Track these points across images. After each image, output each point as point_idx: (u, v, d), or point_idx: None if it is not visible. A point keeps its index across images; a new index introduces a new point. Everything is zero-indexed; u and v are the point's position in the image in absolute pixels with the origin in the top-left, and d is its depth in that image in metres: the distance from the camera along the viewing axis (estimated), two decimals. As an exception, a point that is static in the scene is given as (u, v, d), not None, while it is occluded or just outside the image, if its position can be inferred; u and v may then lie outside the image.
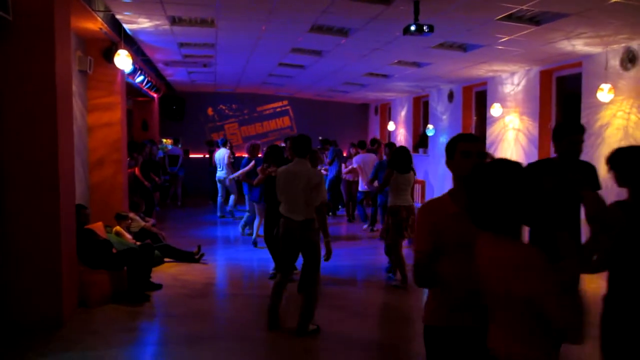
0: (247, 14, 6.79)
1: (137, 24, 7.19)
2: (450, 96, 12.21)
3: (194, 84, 14.64)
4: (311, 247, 4.90)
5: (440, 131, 12.66)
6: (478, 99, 11.68)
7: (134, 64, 7.86)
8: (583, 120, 8.02)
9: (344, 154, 12.73)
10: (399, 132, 15.39)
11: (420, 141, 14.13)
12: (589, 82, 7.84)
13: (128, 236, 7.45)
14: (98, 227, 6.81)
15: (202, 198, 14.96)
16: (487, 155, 7.58)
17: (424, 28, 5.58)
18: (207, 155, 15.38)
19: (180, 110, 16.31)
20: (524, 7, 5.76)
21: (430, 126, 12.73)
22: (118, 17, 6.81)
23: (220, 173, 11.71)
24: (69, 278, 5.32)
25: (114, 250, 6.28)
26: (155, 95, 13.42)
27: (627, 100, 7.16)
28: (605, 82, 7.30)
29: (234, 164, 12.23)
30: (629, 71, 7.12)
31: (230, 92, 16.69)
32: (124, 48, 7.43)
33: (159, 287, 6.47)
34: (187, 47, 9.02)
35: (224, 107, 17.21)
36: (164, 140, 15.39)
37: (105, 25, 6.81)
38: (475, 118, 11.81)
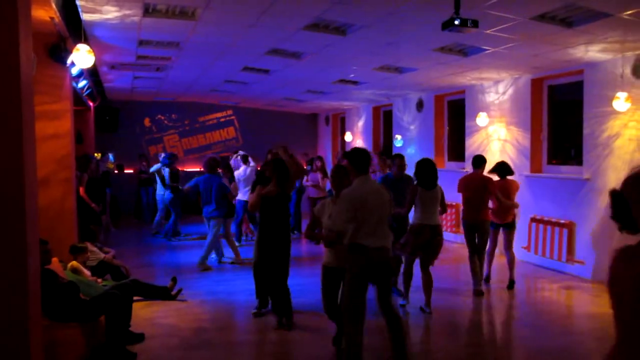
0: (241, 5, 5.74)
1: (101, 13, 5.90)
2: (420, 105, 11.65)
3: (132, 92, 13.12)
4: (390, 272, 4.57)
5: (408, 142, 12.07)
6: (451, 108, 11.20)
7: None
8: (586, 131, 7.66)
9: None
10: (356, 142, 14.67)
11: (384, 152, 13.46)
12: (594, 90, 7.47)
13: (87, 272, 6.06)
14: (55, 265, 5.42)
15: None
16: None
17: (468, 23, 4.82)
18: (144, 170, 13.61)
19: (113, 121, 14.64)
20: (562, 6, 5.18)
21: (398, 136, 12.10)
22: (80, 2, 5.49)
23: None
24: (36, 338, 3.98)
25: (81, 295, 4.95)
26: (91, 104, 11.80)
27: (640, 110, 6.83)
28: (615, 91, 6.94)
29: (176, 178, 11.05)
30: (642, 79, 6.80)
31: (171, 101, 15.24)
32: (72, 45, 6.12)
33: (140, 338, 5.21)
34: (147, 46, 7.74)
35: (162, 118, 15.70)
36: (97, 154, 13.66)
37: (58, 15, 5.47)
38: (447, 128, 11.32)
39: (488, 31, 6.09)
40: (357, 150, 4.40)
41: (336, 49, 7.51)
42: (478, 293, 6.71)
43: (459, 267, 8.23)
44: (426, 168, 5.92)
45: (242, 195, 9.84)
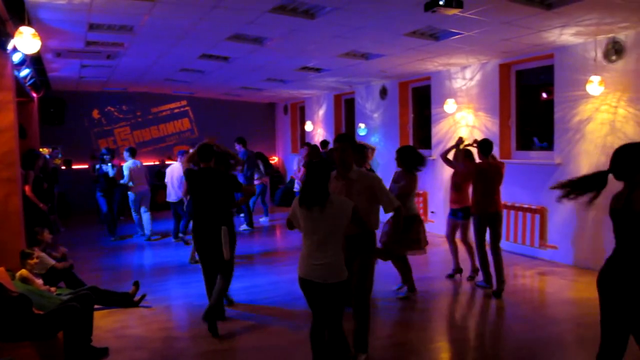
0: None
1: (47, -7, 5.30)
2: (383, 92, 11.40)
3: (79, 82, 12.28)
4: None
5: (372, 130, 11.82)
6: (416, 95, 11.00)
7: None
8: (557, 115, 7.59)
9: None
10: (317, 132, 14.34)
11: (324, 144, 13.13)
12: (565, 74, 7.39)
13: (38, 282, 5.49)
14: (1, 276, 4.86)
15: (89, 216, 12.65)
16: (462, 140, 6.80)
17: (453, 3, 4.54)
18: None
19: (59, 113, 13.73)
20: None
21: (361, 125, 11.83)
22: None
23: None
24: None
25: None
26: (35, 95, 10.96)
27: (613, 94, 6.77)
28: (587, 75, 6.87)
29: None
30: (614, 63, 6.73)
31: (121, 91, 14.43)
32: (13, 28, 5.50)
33: (103, 352, 4.71)
34: (99, 31, 7.11)
35: (112, 109, 14.85)
36: (42, 150, 12.76)
37: (-3, -6, 4.87)
38: (412, 115, 11.12)
39: (465, 14, 5.85)
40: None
41: (303, 33, 7.12)
42: (496, 294, 6.18)
43: (430, 256, 8.03)
44: (412, 153, 5.83)
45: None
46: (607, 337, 3.17)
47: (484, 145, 6.25)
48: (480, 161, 6.38)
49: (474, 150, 6.59)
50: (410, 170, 5.87)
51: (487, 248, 6.34)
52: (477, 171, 6.25)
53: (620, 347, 3.11)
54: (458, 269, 6.96)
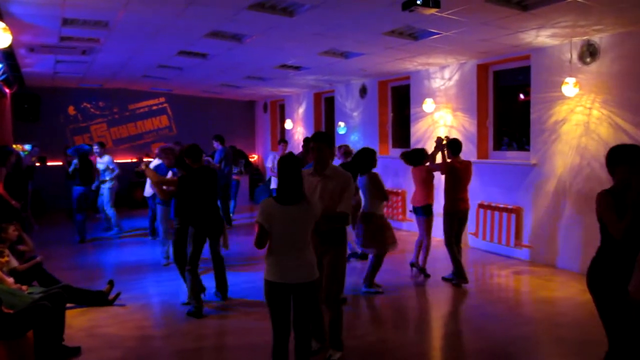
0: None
1: (19, -14, 5.18)
2: (363, 91, 11.42)
3: (54, 77, 12.06)
4: None
5: (351, 129, 11.83)
6: (395, 94, 11.04)
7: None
8: (533, 116, 7.69)
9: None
10: (297, 130, 14.31)
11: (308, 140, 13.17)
12: (541, 75, 7.48)
13: (9, 280, 5.35)
14: (-30, 274, 4.76)
15: (64, 213, 12.46)
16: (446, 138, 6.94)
17: (430, 2, 4.56)
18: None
19: (34, 109, 13.47)
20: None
21: (341, 124, 11.84)
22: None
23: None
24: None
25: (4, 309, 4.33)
26: (8, 91, 10.73)
27: (587, 95, 6.87)
28: (563, 76, 6.96)
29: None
30: (588, 65, 6.83)
31: (97, 87, 14.21)
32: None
33: (76, 351, 4.65)
34: (73, 26, 6.99)
35: (88, 106, 14.64)
36: (16, 146, 12.50)
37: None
38: (392, 114, 11.16)
39: (443, 14, 5.88)
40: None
41: (282, 31, 7.08)
42: (459, 285, 6.55)
43: (405, 256, 8.06)
44: (370, 155, 6.09)
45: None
46: (611, 337, 3.25)
47: (454, 145, 6.60)
48: (449, 160, 6.60)
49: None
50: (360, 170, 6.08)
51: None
52: (449, 170, 6.51)
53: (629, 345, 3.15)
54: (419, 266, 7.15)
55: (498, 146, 8.72)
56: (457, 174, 6.50)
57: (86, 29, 7.23)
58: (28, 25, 6.87)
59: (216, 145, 10.99)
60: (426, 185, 6.81)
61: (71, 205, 10.34)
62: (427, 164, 6.88)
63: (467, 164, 6.70)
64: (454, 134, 9.03)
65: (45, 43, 8.08)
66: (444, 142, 6.78)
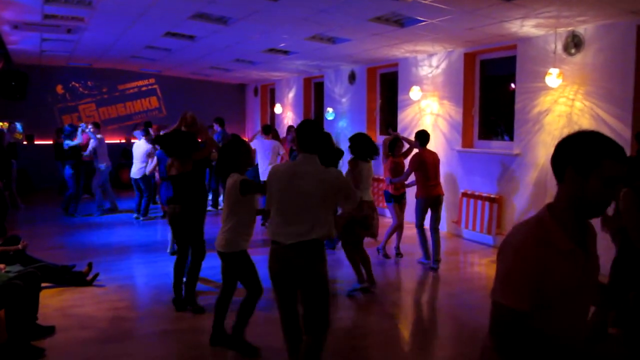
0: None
1: (-5, -39, 5.11)
2: (352, 77, 11.38)
3: (42, 55, 11.95)
4: None
5: (340, 115, 11.81)
6: (384, 81, 11.01)
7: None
8: (517, 106, 7.69)
9: None
10: (286, 115, 14.26)
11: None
12: (526, 65, 7.47)
13: (-13, 259, 5.37)
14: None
15: (51, 192, 12.43)
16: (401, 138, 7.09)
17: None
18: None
19: (21, 87, 13.26)
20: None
21: (329, 109, 11.80)
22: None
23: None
24: None
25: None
26: (-7, 68, 10.63)
27: (570, 87, 6.88)
28: (547, 67, 6.96)
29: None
30: (573, 56, 6.83)
31: (86, 67, 14.09)
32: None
33: (50, 330, 4.67)
34: (56, 4, 6.92)
35: (77, 85, 14.52)
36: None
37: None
38: (380, 101, 11.14)
39: (427, 1, 5.85)
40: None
41: (267, 14, 7.03)
42: (433, 269, 6.77)
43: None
44: (364, 140, 5.87)
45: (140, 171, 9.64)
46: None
47: (422, 136, 6.90)
48: (417, 151, 6.91)
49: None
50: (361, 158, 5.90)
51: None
52: (418, 165, 6.76)
53: None
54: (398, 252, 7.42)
55: (484, 135, 8.73)
56: (426, 166, 6.74)
57: (69, 7, 7.16)
58: (9, 1, 6.80)
59: (216, 127, 11.18)
60: (396, 175, 7.13)
61: (62, 183, 10.48)
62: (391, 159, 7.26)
63: (433, 154, 6.99)
64: (440, 122, 9.05)
65: (28, 20, 7.99)
66: (392, 135, 7.44)
